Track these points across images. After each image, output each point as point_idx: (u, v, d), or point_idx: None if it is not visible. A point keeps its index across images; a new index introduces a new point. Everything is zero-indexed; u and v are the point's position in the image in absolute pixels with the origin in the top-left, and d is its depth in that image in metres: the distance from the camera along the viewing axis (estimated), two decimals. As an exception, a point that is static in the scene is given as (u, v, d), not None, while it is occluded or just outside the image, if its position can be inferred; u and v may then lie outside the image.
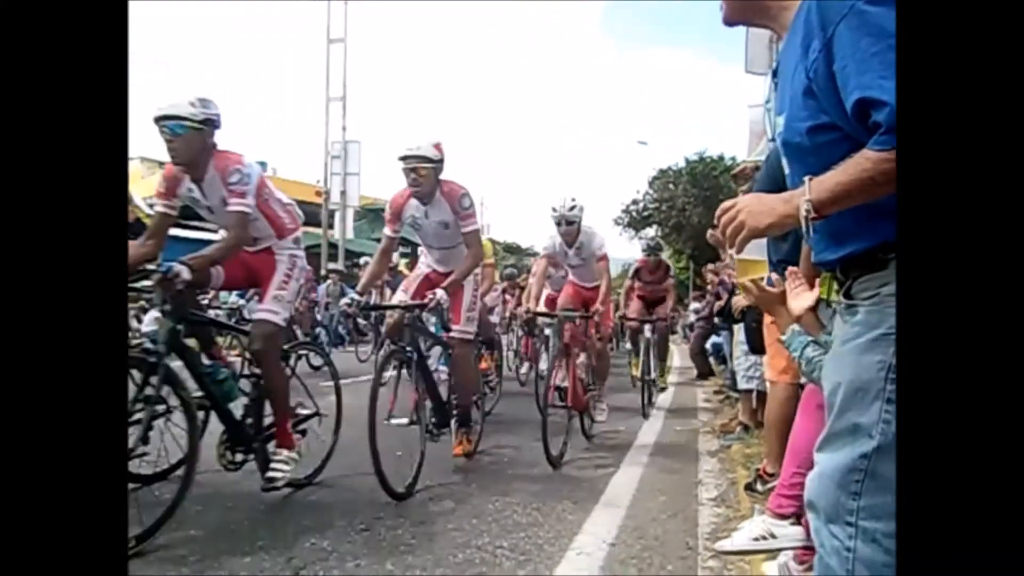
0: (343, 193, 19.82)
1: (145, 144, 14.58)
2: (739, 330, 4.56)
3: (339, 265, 20.04)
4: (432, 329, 4.53)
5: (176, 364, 2.72)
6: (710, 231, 4.31)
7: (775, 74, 1.39)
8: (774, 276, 1.95)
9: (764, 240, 1.22)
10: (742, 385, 4.69)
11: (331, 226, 20.44)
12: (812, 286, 1.71)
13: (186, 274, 2.65)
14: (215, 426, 3.07)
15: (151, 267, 2.83)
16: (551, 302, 6.22)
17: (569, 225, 5.02)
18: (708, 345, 8.73)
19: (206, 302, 5.31)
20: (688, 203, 34.14)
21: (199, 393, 2.90)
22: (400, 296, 4.13)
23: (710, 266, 8.32)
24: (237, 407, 3.09)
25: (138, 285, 2.84)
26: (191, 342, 3.02)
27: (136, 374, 2.54)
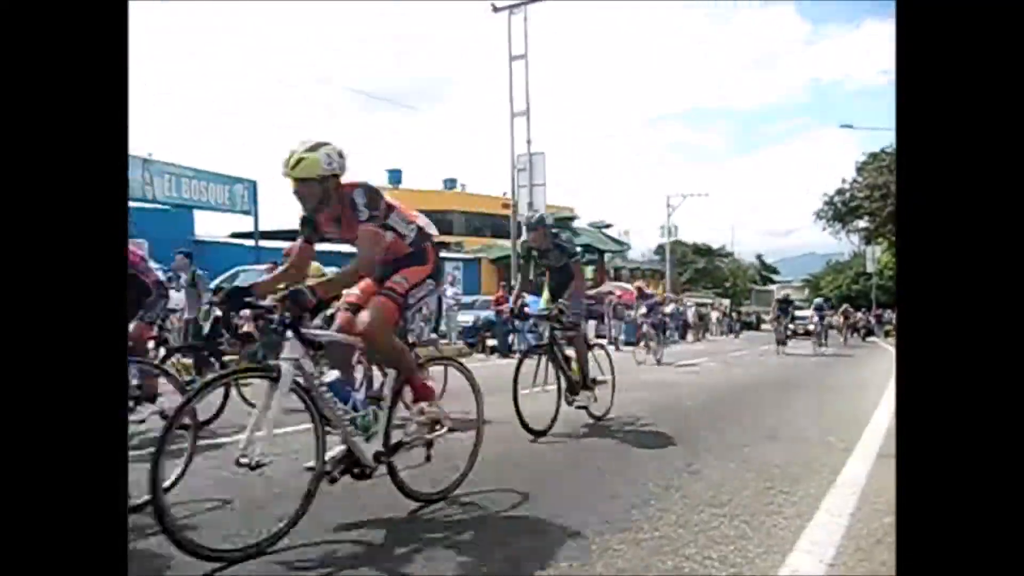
0: (530, 204, 20.50)
1: (351, 171, 16.25)
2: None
3: (529, 275, 20.70)
4: None
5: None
6: None
7: None
8: None
9: None
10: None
11: (519, 237, 21.25)
12: None
13: None
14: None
15: None
16: None
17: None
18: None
19: None
20: (905, 188, 30.25)
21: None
22: None
23: None
24: None
25: None
26: None
27: None
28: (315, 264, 4.37)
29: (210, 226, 22.32)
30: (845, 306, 29.66)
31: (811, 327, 20.30)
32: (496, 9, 20.45)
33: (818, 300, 21.99)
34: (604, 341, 13.34)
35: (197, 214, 18.27)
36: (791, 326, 24.32)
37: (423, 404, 3.26)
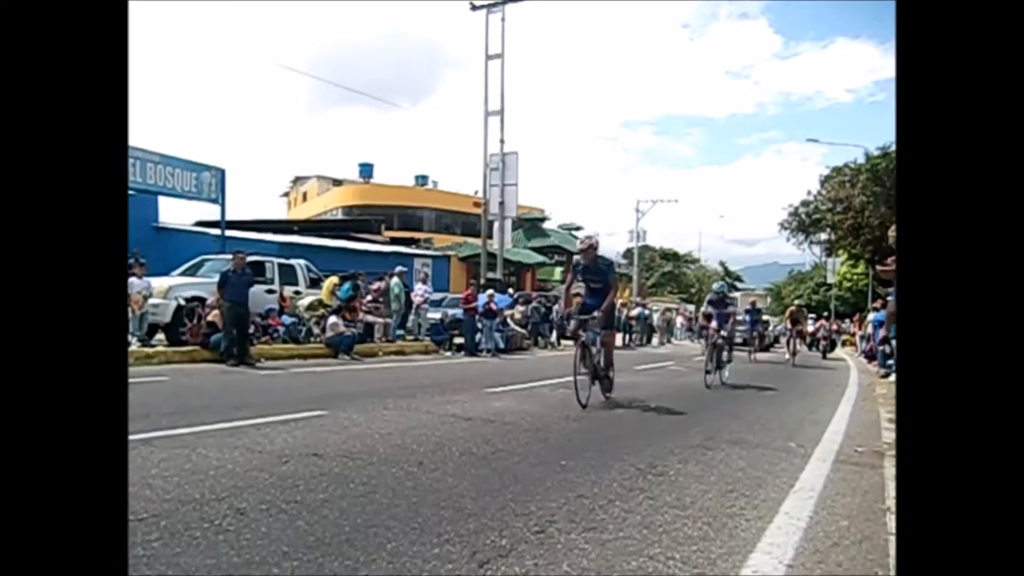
0: (501, 204, 20.51)
1: (322, 164, 16.10)
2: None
3: (498, 274, 20.72)
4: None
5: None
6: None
7: None
8: None
9: None
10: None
11: (490, 236, 21.24)
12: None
13: None
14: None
15: None
16: None
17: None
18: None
19: None
20: (868, 203, 31.05)
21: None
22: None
23: None
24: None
25: None
26: None
27: None
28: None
29: (175, 213, 21.82)
30: (797, 303, 21.91)
31: (702, 339, 12.67)
32: (474, 7, 20.40)
33: (718, 284, 12.06)
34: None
35: (162, 200, 17.84)
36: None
37: None
